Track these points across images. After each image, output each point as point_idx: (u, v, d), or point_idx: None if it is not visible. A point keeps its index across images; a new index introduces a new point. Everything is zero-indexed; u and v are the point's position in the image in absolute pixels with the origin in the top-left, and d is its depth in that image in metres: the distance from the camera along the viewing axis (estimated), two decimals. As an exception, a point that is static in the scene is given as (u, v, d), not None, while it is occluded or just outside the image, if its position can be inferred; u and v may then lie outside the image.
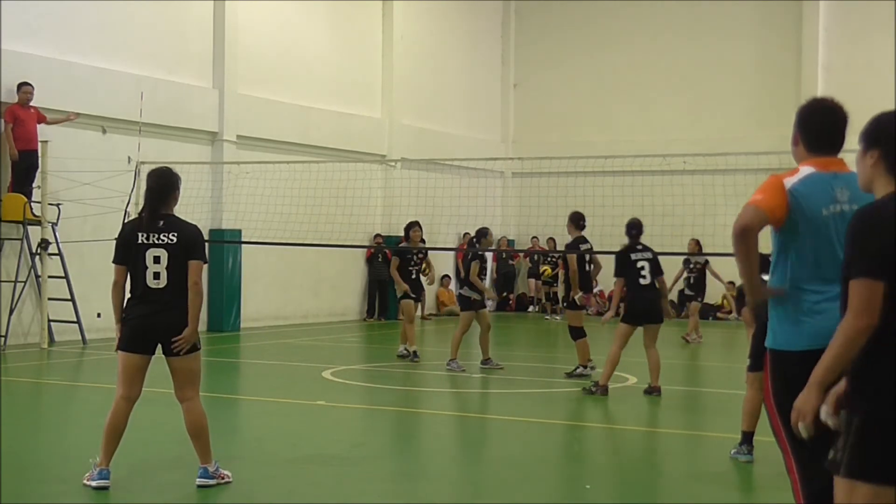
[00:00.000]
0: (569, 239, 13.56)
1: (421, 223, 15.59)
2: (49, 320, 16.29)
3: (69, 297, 16.49)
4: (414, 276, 15.04)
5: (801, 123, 4.60)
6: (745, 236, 4.34)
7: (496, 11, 28.81)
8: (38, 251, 16.23)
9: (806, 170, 4.51)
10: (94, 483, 6.77)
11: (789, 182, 4.46)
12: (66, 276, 16.40)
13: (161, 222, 6.84)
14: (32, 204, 16.02)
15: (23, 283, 16.13)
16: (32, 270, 16.31)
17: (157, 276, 6.78)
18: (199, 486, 6.96)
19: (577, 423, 10.63)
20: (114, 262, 6.97)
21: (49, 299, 16.25)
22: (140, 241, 6.82)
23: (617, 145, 23.94)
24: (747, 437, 8.07)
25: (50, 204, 16.21)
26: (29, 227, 16.20)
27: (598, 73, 27.84)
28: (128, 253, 6.87)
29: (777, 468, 8.01)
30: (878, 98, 23.19)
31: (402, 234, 21.40)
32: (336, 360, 15.03)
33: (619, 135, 26.41)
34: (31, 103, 15.97)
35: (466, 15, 27.63)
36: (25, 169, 16.06)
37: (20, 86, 15.85)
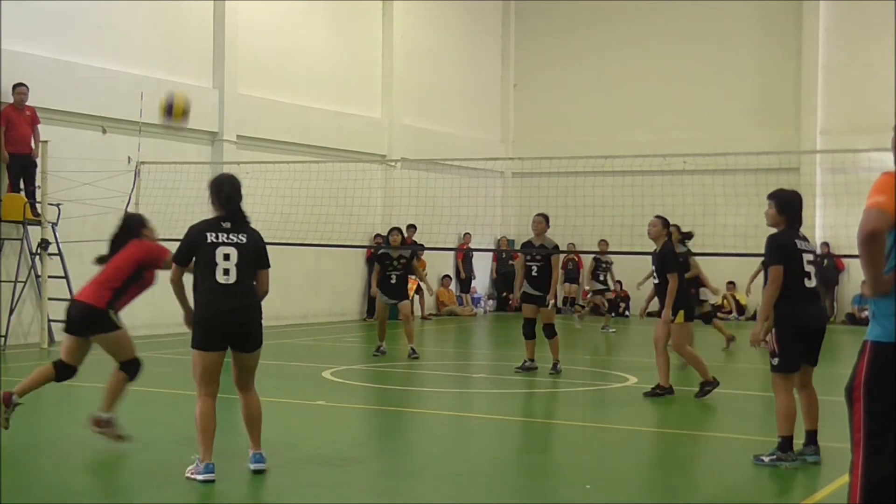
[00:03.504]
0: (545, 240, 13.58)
1: (402, 228, 15.83)
2: (49, 320, 16.28)
3: (69, 298, 16.48)
4: (394, 281, 15.09)
5: None
6: (874, 240, 4.29)
7: (496, 11, 28.82)
8: (38, 251, 16.23)
9: None
10: (200, 476, 6.89)
11: None
12: (66, 276, 16.39)
13: (228, 223, 7.17)
14: (33, 204, 16.03)
15: (23, 283, 16.14)
16: (32, 270, 16.32)
17: (226, 272, 7.00)
18: (256, 472, 7.11)
19: (577, 423, 10.62)
20: (174, 260, 7.23)
21: (49, 299, 16.24)
22: (210, 241, 7.08)
23: (617, 145, 23.93)
24: (787, 443, 7.77)
25: (50, 204, 16.21)
26: (29, 227, 16.21)
27: (598, 73, 27.85)
28: (190, 255, 7.12)
29: (776, 468, 8.03)
30: (878, 98, 23.31)
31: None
32: (336, 360, 15.02)
33: (619, 135, 26.41)
34: (28, 103, 15.95)
35: (466, 15, 27.64)
36: (19, 171, 16.04)
37: (14, 87, 15.81)
